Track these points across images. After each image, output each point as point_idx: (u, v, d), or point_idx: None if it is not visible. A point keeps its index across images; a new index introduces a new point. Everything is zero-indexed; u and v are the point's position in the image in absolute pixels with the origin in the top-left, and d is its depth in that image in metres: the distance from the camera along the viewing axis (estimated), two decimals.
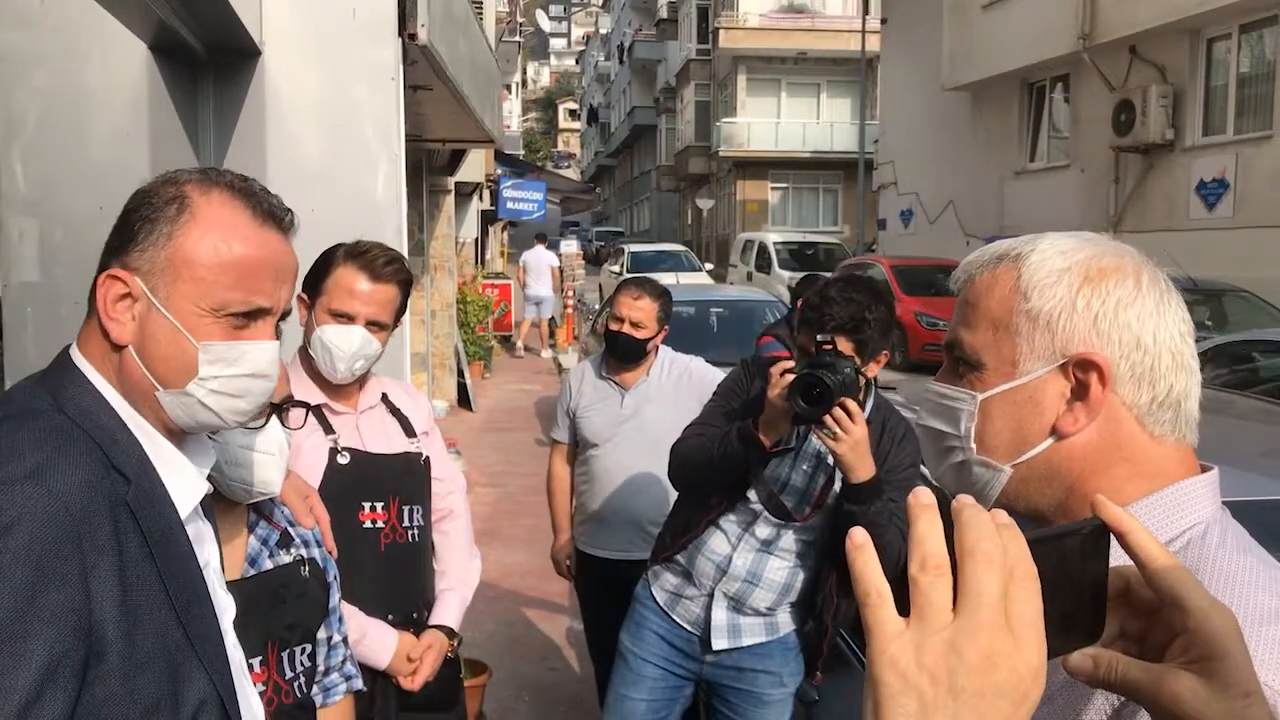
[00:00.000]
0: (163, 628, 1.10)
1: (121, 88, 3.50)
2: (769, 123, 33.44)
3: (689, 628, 2.74)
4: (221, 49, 3.54)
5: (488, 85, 6.61)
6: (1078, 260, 1.01)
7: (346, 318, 2.23)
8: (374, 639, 2.27)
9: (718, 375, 3.56)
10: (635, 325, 3.48)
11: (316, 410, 2.29)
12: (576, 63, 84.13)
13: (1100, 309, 0.98)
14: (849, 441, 2.30)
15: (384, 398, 2.44)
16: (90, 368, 1.17)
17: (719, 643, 2.69)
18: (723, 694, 2.76)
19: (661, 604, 2.79)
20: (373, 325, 2.25)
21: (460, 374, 11.33)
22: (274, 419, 1.63)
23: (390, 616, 2.32)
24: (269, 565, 1.71)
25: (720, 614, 2.68)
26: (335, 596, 1.86)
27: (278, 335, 1.24)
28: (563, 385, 3.86)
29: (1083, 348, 0.98)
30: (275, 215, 1.23)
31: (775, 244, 21.92)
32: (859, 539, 0.66)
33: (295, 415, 1.71)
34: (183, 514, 1.19)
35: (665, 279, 5.06)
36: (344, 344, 2.23)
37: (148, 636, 1.08)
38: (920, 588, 0.64)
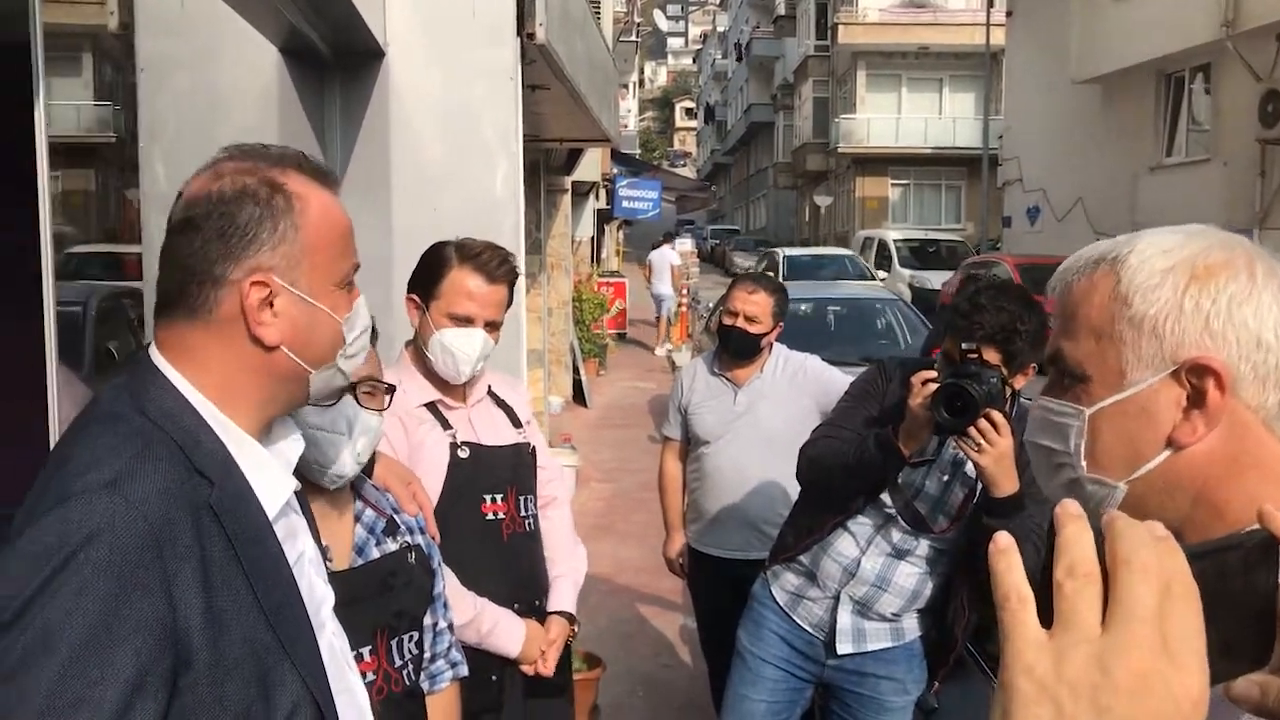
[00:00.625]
0: (251, 632, 1.08)
1: (253, 90, 3.62)
2: (889, 119, 32.81)
3: (811, 630, 2.69)
4: (347, 51, 3.63)
5: (605, 84, 6.65)
6: (1182, 258, 0.93)
7: (465, 320, 2.26)
8: (506, 629, 2.29)
9: (834, 373, 3.49)
10: (750, 320, 3.42)
11: (432, 406, 2.33)
12: (694, 61, 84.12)
13: (1211, 309, 0.91)
14: (993, 454, 2.22)
15: (489, 390, 2.47)
16: (172, 369, 1.15)
17: (844, 647, 2.63)
18: (843, 698, 2.71)
19: (782, 604, 2.74)
20: (489, 325, 2.29)
21: (576, 370, 11.44)
22: (346, 398, 1.61)
23: (516, 606, 2.34)
24: (376, 554, 1.73)
25: (845, 618, 2.63)
26: (440, 583, 1.87)
27: None
28: (675, 382, 3.83)
29: (1195, 352, 0.91)
30: (333, 178, 1.25)
31: (895, 241, 21.53)
32: (1003, 543, 0.62)
33: (374, 395, 1.70)
34: (270, 513, 1.17)
35: (828, 290, 4.93)
36: (467, 347, 2.26)
37: (235, 642, 1.06)
38: (1065, 594, 0.59)
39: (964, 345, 2.29)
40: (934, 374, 2.31)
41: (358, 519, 1.75)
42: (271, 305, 1.15)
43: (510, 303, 2.36)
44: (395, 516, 1.81)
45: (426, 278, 2.30)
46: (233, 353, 1.15)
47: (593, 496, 7.95)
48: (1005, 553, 0.62)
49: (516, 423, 2.46)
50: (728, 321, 3.47)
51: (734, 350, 3.50)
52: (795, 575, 2.72)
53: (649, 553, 6.29)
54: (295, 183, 1.18)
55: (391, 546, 1.77)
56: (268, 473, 1.18)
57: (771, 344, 3.55)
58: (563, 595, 2.47)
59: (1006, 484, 2.25)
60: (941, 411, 2.21)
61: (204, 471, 1.09)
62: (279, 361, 1.16)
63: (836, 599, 2.63)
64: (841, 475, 2.52)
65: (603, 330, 14.30)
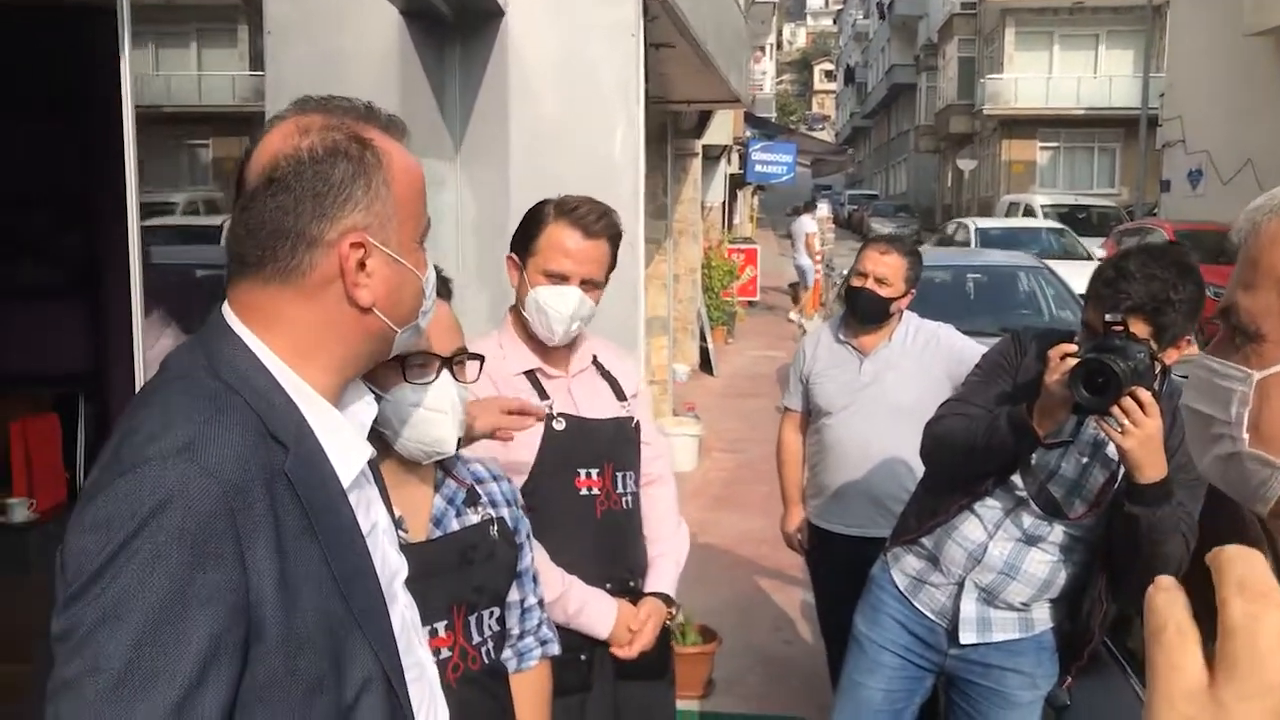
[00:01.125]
0: (324, 603, 1.06)
1: (375, 53, 3.61)
2: (1039, 78, 31.36)
3: (932, 617, 2.53)
4: (467, 11, 3.58)
5: (735, 44, 6.46)
6: None
7: (561, 278, 2.17)
8: (595, 609, 2.22)
9: (969, 344, 3.29)
10: (880, 282, 3.25)
11: (531, 375, 2.25)
12: (834, 22, 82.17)
13: None
14: (1139, 436, 2.02)
15: (594, 360, 2.37)
16: (247, 329, 1.12)
17: (966, 636, 2.47)
18: (966, 690, 2.55)
19: (902, 589, 2.59)
20: (587, 284, 2.20)
21: (703, 338, 11.32)
22: (445, 374, 1.56)
23: (608, 585, 2.26)
24: (455, 526, 1.67)
25: (970, 605, 2.46)
26: (527, 557, 1.80)
27: None
28: (797, 349, 3.68)
29: None
30: (404, 129, 1.20)
31: (1043, 206, 20.57)
32: (1166, 584, 0.50)
33: (470, 369, 1.64)
34: (345, 482, 1.13)
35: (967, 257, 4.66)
36: (560, 305, 2.17)
37: (308, 613, 1.04)
38: (1234, 618, 0.46)
39: (1108, 317, 2.08)
40: (1073, 347, 2.10)
41: (437, 489, 1.69)
42: (364, 265, 1.11)
43: (613, 263, 2.26)
44: (477, 487, 1.74)
45: (524, 235, 2.23)
46: (322, 314, 1.12)
47: (715, 467, 7.85)
48: (1168, 591, 0.49)
49: (621, 395, 2.36)
50: (856, 283, 3.31)
51: (861, 314, 3.33)
52: (917, 559, 2.56)
53: (772, 525, 6.14)
54: (379, 138, 1.14)
55: (472, 518, 1.70)
56: (342, 439, 1.14)
57: (901, 311, 3.37)
58: (661, 576, 2.37)
59: (1152, 469, 2.05)
60: (1081, 389, 2.01)
61: (278, 436, 1.05)
62: (370, 322, 1.14)
63: (960, 585, 2.46)
64: (969, 455, 2.33)
65: (732, 297, 14.11)
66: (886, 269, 3.26)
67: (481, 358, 1.65)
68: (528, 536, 1.81)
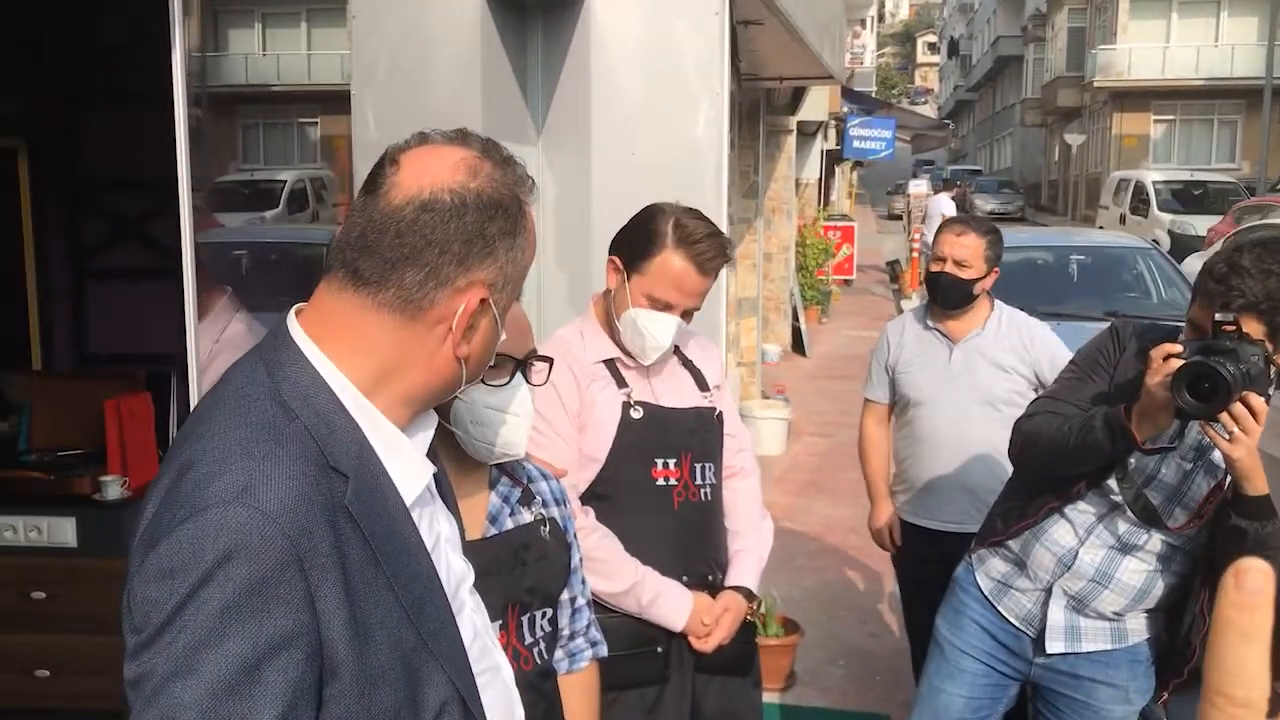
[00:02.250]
0: (395, 634, 1.04)
1: (458, 35, 3.59)
2: (1155, 48, 30.03)
3: (1018, 623, 2.42)
4: None
5: (827, 18, 6.29)
6: None
7: (665, 306, 2.16)
8: (669, 600, 2.18)
9: (1062, 347, 3.15)
10: (959, 264, 3.14)
11: (610, 364, 2.23)
12: None
13: None
14: (1248, 445, 1.89)
15: (676, 349, 2.33)
16: (311, 343, 1.08)
17: (1054, 645, 2.35)
18: (1054, 701, 2.43)
19: (986, 593, 2.48)
20: (687, 313, 2.20)
21: (795, 318, 11.16)
22: (519, 378, 1.54)
23: (685, 578, 2.22)
24: (510, 524, 1.64)
25: (1058, 613, 2.34)
26: (576, 556, 1.76)
27: None
28: (879, 338, 3.53)
29: None
30: (534, 189, 1.19)
31: (1155, 183, 19.73)
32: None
33: (539, 370, 1.61)
34: (408, 500, 1.11)
35: (1070, 237, 4.49)
36: (660, 333, 2.17)
37: (380, 648, 1.02)
38: None
39: (1218, 316, 1.93)
40: (1177, 348, 1.96)
41: (492, 487, 1.67)
42: (473, 320, 1.11)
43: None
44: (531, 486, 1.71)
45: (636, 249, 2.17)
46: (418, 351, 1.09)
47: (805, 451, 7.73)
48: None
49: (703, 385, 2.32)
50: (935, 267, 3.21)
51: (943, 298, 3.21)
52: (1003, 562, 2.44)
53: (862, 513, 6.00)
54: (528, 203, 1.15)
55: (526, 517, 1.67)
56: (405, 458, 1.12)
57: (989, 295, 3.24)
58: (742, 570, 2.32)
59: (1261, 481, 1.91)
60: (1185, 394, 1.87)
61: (338, 466, 1.03)
62: (453, 371, 1.12)
63: (1048, 592, 2.34)
64: (1060, 456, 2.21)
65: (827, 276, 13.88)
66: (965, 250, 3.15)
67: (550, 361, 1.62)
68: (574, 536, 1.77)
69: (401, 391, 1.10)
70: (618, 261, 2.20)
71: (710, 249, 2.13)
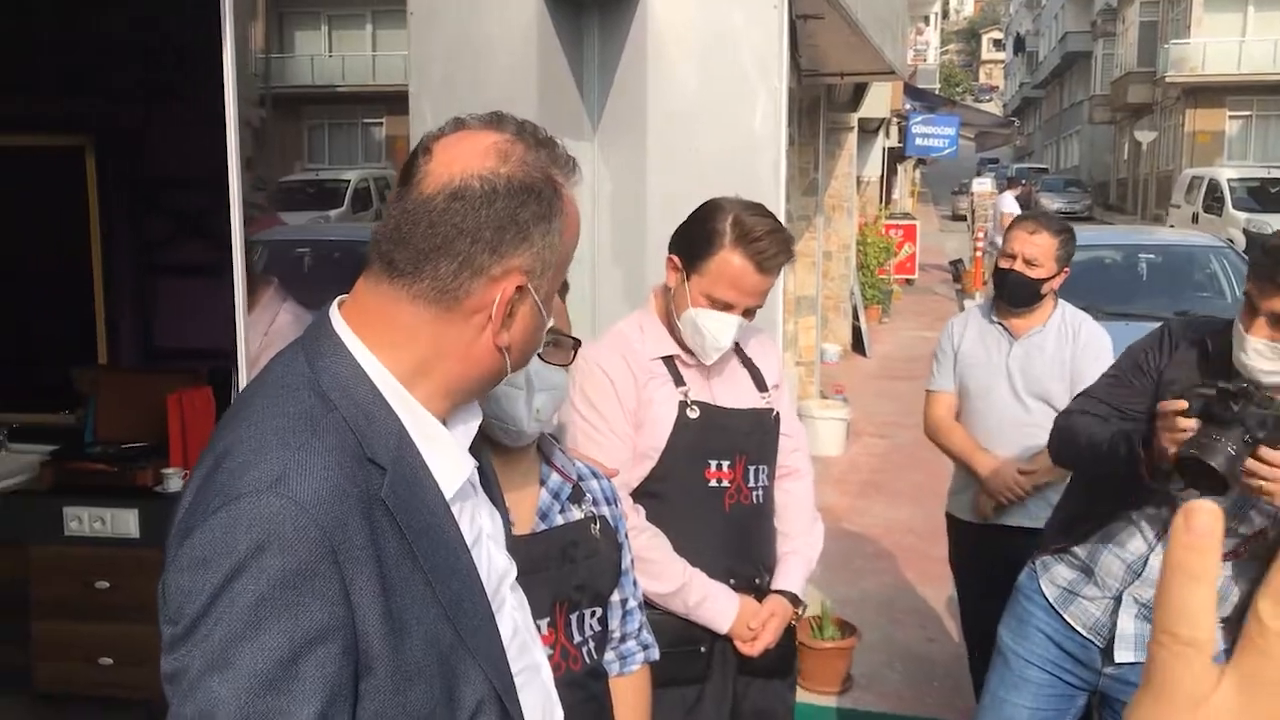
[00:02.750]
0: (431, 630, 1.02)
1: (515, 33, 3.59)
2: (1230, 42, 29.23)
3: (1085, 632, 2.33)
4: None
5: (889, 14, 6.20)
6: None
7: (725, 305, 2.12)
8: (716, 603, 2.15)
9: (1107, 350, 3.08)
10: (1029, 263, 3.09)
11: (668, 361, 2.20)
12: None
13: None
14: None
15: (736, 347, 2.29)
16: (354, 336, 1.06)
17: (1123, 654, 2.27)
18: (1121, 713, 2.34)
19: (1051, 600, 2.39)
20: (749, 312, 2.16)
21: (855, 317, 11.03)
22: None
23: (732, 580, 2.19)
24: (559, 521, 1.62)
25: (1128, 622, 2.26)
26: (628, 557, 1.74)
27: None
28: (944, 331, 3.48)
29: None
30: (576, 170, 1.15)
31: (1230, 180, 19.18)
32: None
33: (563, 349, 1.55)
34: (447, 494, 1.08)
35: (1140, 235, 4.37)
36: (720, 334, 2.13)
37: (416, 643, 1.01)
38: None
39: (1222, 385, 1.91)
40: (1183, 404, 1.95)
41: (543, 483, 1.64)
42: (512, 308, 1.08)
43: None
44: (582, 484, 1.69)
45: (694, 248, 2.13)
46: (456, 341, 1.07)
47: (864, 452, 7.63)
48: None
49: (762, 386, 2.28)
50: (1004, 264, 3.15)
51: (1010, 296, 3.16)
52: (1068, 569, 2.36)
53: (920, 515, 5.94)
54: (566, 187, 1.11)
55: (576, 515, 1.65)
56: (445, 450, 1.09)
57: (1055, 295, 3.18)
58: (790, 574, 2.28)
59: None
60: (1184, 482, 1.92)
61: (375, 458, 1.01)
62: (494, 361, 1.10)
63: (1118, 600, 2.26)
64: (1088, 465, 2.21)
65: (888, 275, 13.71)
66: (1036, 249, 3.08)
67: (578, 342, 1.58)
68: (625, 536, 1.74)
69: (441, 383, 1.08)
70: (677, 261, 2.16)
71: (771, 246, 2.07)
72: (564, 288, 1.62)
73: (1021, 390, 3.15)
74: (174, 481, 3.33)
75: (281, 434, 0.98)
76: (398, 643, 0.99)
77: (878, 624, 4.61)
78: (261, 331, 2.68)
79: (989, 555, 3.21)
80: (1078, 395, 2.41)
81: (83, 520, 3.30)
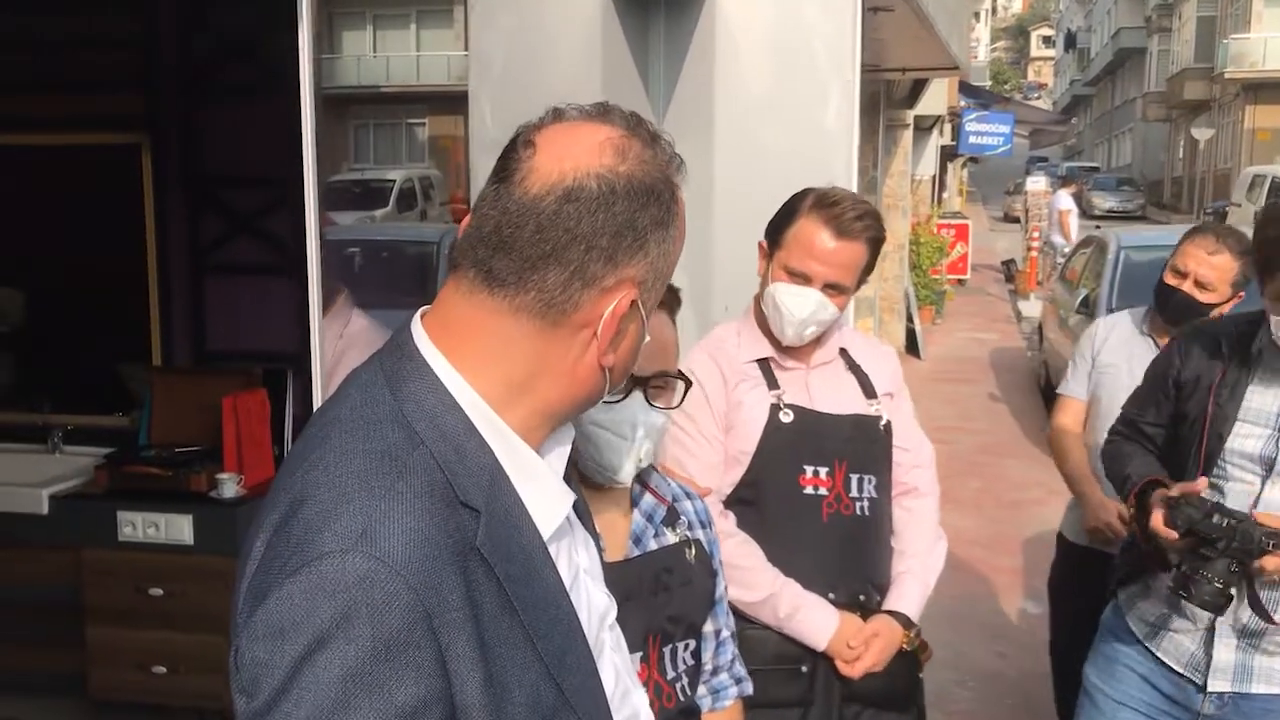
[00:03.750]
0: (534, 692, 0.91)
1: (578, 27, 3.47)
2: None
3: (1180, 669, 2.16)
4: None
5: (956, 5, 6.02)
6: None
7: (803, 278, 2.02)
8: (810, 616, 2.02)
9: None
10: (1201, 285, 2.80)
11: (763, 363, 2.11)
12: None
13: None
14: None
15: (843, 353, 2.18)
16: (438, 354, 0.95)
17: (1219, 684, 2.10)
18: None
19: (1140, 637, 2.23)
20: (831, 288, 2.02)
21: (909, 318, 10.83)
22: (634, 396, 1.38)
23: (831, 595, 2.05)
24: (652, 545, 1.50)
25: (1225, 652, 2.09)
26: (721, 585, 1.61)
27: None
28: (1085, 334, 3.27)
29: None
30: (682, 165, 1.03)
31: None
32: None
33: (664, 393, 1.44)
34: (545, 534, 0.97)
35: None
36: (796, 308, 2.02)
37: (518, 709, 0.90)
38: None
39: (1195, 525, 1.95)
40: (1172, 492, 1.97)
41: (635, 505, 1.52)
42: (621, 323, 0.97)
43: (870, 267, 2.07)
44: (676, 505, 1.57)
45: (777, 223, 2.09)
46: (556, 360, 0.95)
47: None
48: None
49: (870, 393, 2.15)
50: (1172, 281, 2.86)
51: (1172, 316, 2.87)
52: (1156, 603, 2.20)
53: (985, 523, 5.77)
54: (679, 186, 0.99)
55: (670, 539, 1.53)
56: (543, 484, 0.98)
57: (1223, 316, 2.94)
58: (904, 595, 2.13)
59: None
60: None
61: (468, 500, 0.90)
62: (596, 381, 0.99)
63: (1211, 630, 2.10)
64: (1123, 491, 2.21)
65: (941, 275, 13.47)
66: (1212, 272, 2.78)
67: (689, 383, 1.46)
68: (720, 563, 1.62)
69: (540, 406, 0.97)
70: (763, 244, 2.12)
71: (850, 209, 1.99)
72: (676, 303, 1.50)
73: None
74: (228, 487, 3.25)
75: (364, 477, 0.87)
76: (498, 709, 0.88)
77: (947, 639, 4.45)
78: (336, 335, 2.60)
79: (1093, 584, 3.01)
80: (1124, 406, 2.39)
81: (136, 525, 3.23)
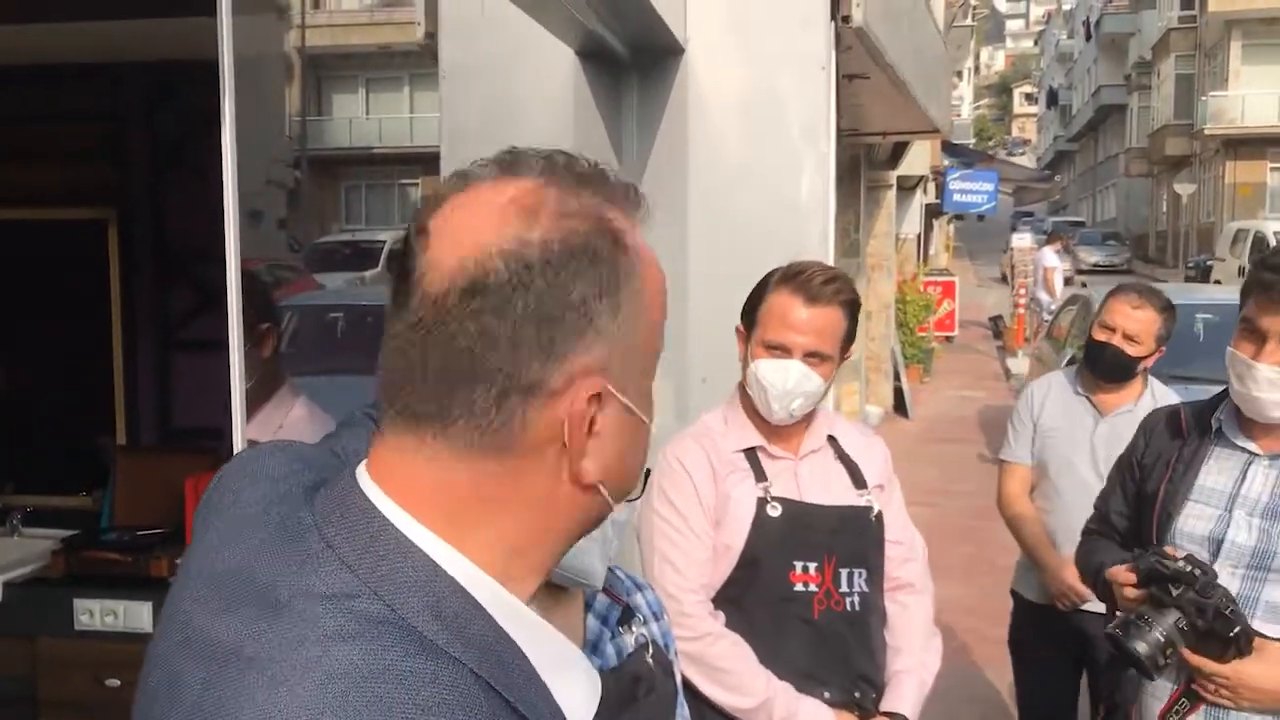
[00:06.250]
0: None
1: (550, 95, 3.47)
2: (1270, 94, 29.04)
3: None
4: (645, 49, 3.39)
5: (934, 71, 6.06)
6: None
7: (782, 350, 1.97)
8: (805, 718, 1.94)
9: None
10: (1128, 339, 2.91)
11: (750, 454, 2.05)
12: (1035, 44, 79.17)
13: None
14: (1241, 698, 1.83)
15: (832, 441, 2.11)
16: (425, 531, 0.72)
17: None
18: None
19: None
20: (812, 357, 1.96)
21: (896, 378, 10.79)
22: None
23: (826, 694, 1.97)
24: (610, 650, 1.41)
25: None
26: (678, 676, 1.52)
27: None
28: (1022, 397, 3.33)
29: None
30: (641, 198, 0.81)
31: (1277, 232, 18.85)
32: None
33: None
34: None
35: (1192, 293, 4.19)
36: (779, 380, 1.96)
37: None
38: None
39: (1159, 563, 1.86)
40: (1130, 577, 1.93)
41: (589, 607, 1.43)
42: (594, 424, 0.75)
43: (850, 333, 2.02)
44: (629, 601, 1.48)
45: (750, 303, 2.06)
46: (533, 495, 0.75)
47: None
48: None
49: (860, 483, 2.08)
50: (1100, 337, 2.97)
51: (1103, 371, 3.00)
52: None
53: (976, 591, 5.65)
54: (635, 234, 0.77)
55: (628, 641, 1.43)
56: (574, 673, 0.78)
57: (1147, 372, 3.00)
58: (902, 695, 2.05)
59: None
60: (1127, 666, 1.89)
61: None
62: (585, 503, 0.77)
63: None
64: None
65: (929, 333, 13.47)
66: (1138, 325, 2.91)
67: (648, 471, 1.39)
68: (675, 654, 1.54)
69: (536, 560, 0.77)
70: (740, 328, 2.08)
71: (818, 275, 1.96)
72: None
73: (1105, 470, 2.92)
74: None
75: None
76: None
77: (934, 715, 4.32)
78: (276, 425, 2.51)
79: (1054, 638, 3.08)
80: (1099, 496, 2.37)
81: (94, 614, 3.11)
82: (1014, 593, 3.30)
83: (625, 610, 1.47)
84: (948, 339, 15.56)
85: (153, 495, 3.43)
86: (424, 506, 0.73)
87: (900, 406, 10.81)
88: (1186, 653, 1.81)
